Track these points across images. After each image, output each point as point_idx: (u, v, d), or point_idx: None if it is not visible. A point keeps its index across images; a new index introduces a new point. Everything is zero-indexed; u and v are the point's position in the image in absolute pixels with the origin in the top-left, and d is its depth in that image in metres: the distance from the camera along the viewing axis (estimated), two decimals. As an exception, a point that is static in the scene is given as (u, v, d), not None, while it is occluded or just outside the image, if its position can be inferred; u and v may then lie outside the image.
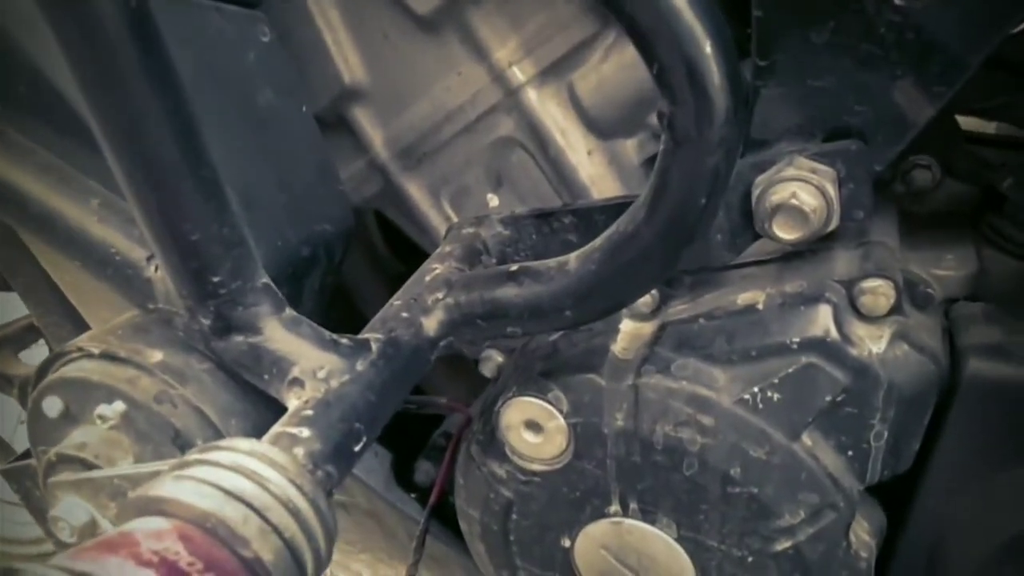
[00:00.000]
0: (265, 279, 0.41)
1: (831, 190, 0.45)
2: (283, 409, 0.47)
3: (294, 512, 0.32)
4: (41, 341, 1.41)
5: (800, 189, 0.45)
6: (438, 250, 0.53)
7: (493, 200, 0.62)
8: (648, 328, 0.50)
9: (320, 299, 0.56)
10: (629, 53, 0.55)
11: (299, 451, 0.36)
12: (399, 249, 0.96)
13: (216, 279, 0.39)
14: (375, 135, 0.63)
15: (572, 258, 0.43)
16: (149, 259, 0.42)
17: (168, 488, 0.31)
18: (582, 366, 0.49)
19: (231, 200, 0.38)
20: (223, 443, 0.34)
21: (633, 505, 0.49)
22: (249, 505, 0.31)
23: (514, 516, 0.54)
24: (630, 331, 0.51)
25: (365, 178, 0.65)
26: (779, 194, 0.45)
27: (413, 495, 0.72)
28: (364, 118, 0.63)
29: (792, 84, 0.47)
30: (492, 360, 0.58)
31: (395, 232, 0.75)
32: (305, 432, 0.37)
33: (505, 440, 0.51)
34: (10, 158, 0.42)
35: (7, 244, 0.93)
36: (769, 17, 0.46)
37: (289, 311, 0.42)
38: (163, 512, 0.31)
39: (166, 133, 0.34)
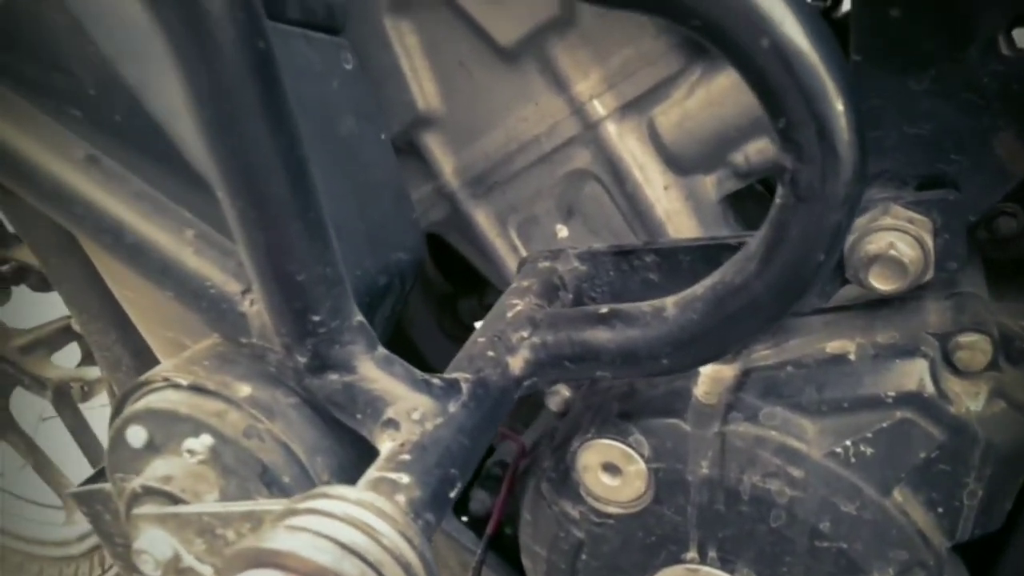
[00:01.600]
0: (359, 317, 0.41)
1: (928, 241, 0.44)
2: (366, 446, 0.47)
3: (405, 567, 0.32)
4: (72, 344, 1.41)
5: (898, 239, 0.44)
6: (515, 284, 0.53)
7: (562, 231, 0.62)
8: (729, 372, 0.50)
9: (388, 326, 0.56)
10: (714, 90, 0.54)
11: (400, 499, 0.36)
12: (446, 270, 0.95)
13: (316, 318, 0.38)
14: (446, 162, 0.62)
15: (669, 304, 0.42)
16: (244, 293, 0.41)
17: (283, 541, 0.31)
18: (664, 410, 0.48)
19: (333, 240, 0.38)
20: (329, 491, 0.34)
21: (712, 553, 0.49)
22: (364, 560, 0.31)
23: (584, 557, 0.53)
24: (710, 374, 0.50)
25: (432, 204, 0.65)
26: (876, 244, 0.44)
27: (466, 522, 0.71)
28: (435, 145, 0.62)
29: (888, 130, 0.47)
30: (559, 395, 0.58)
31: (442, 252, 0.75)
32: (404, 478, 0.37)
33: (581, 481, 0.50)
34: (106, 185, 0.42)
35: (57, 251, 0.94)
36: (868, 62, 0.46)
37: (381, 349, 0.42)
38: (279, 565, 0.30)
39: (281, 176, 0.34)
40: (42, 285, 1.37)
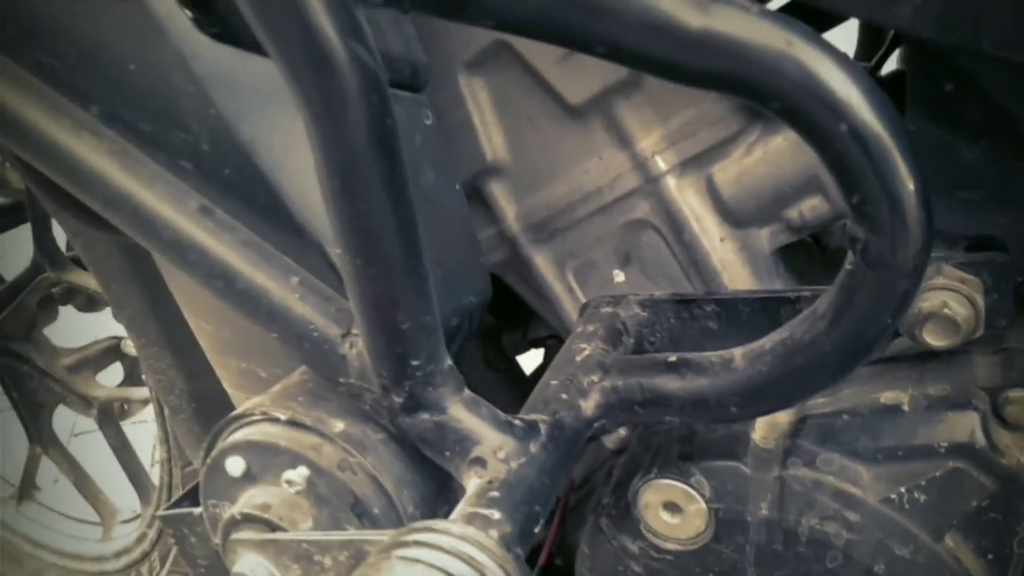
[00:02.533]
0: (450, 361, 0.44)
1: (979, 300, 0.47)
2: (442, 480, 0.50)
3: (506, 598, 0.35)
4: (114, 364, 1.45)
5: (951, 299, 0.47)
6: (579, 329, 0.56)
7: (619, 276, 0.65)
8: (785, 418, 0.52)
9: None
10: (771, 150, 0.57)
11: (494, 533, 0.38)
12: (491, 304, 0.99)
13: (415, 363, 0.42)
14: (509, 208, 0.66)
15: (737, 355, 0.45)
16: (344, 336, 0.45)
17: (401, 572, 0.34)
18: (725, 453, 0.51)
19: (432, 290, 0.41)
20: (433, 525, 0.37)
21: (768, 591, 0.51)
22: (472, 591, 0.34)
23: (641, 590, 0.56)
24: (767, 420, 0.53)
25: (493, 246, 0.68)
26: (930, 302, 0.47)
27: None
28: (500, 192, 0.66)
29: (940, 194, 0.50)
30: (616, 433, 0.61)
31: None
32: (496, 514, 0.39)
33: (641, 518, 0.53)
34: (218, 235, 0.46)
35: (119, 279, 0.98)
36: (923, 131, 0.49)
37: (468, 391, 0.45)
38: (396, 595, 0.33)
39: (396, 237, 0.37)
40: (87, 306, 1.41)
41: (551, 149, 0.63)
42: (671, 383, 0.46)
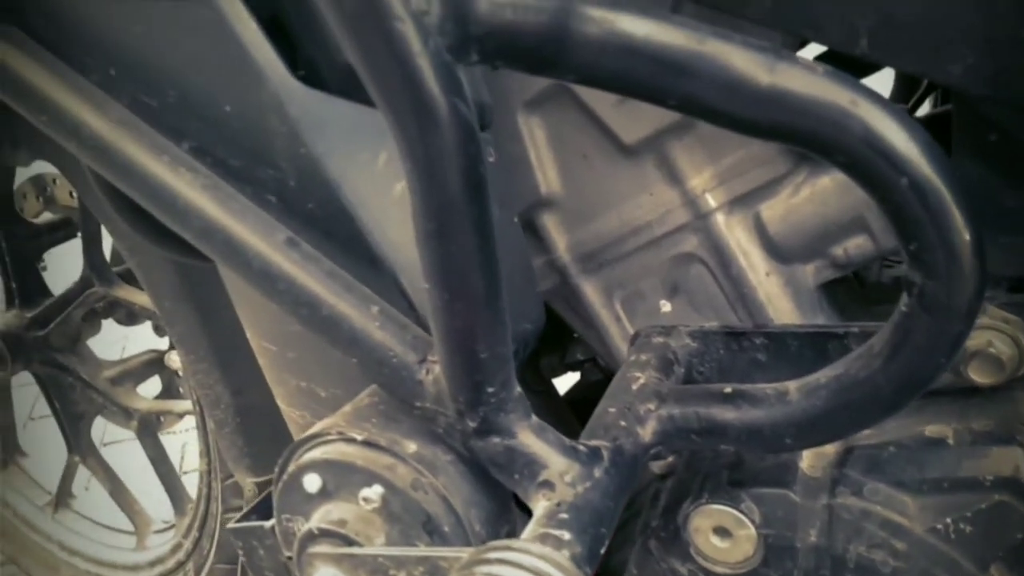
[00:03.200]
0: (519, 388, 0.47)
1: (1022, 339, 0.49)
2: (506, 502, 0.52)
3: (582, 615, 0.37)
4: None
5: (995, 338, 0.49)
6: (632, 358, 0.58)
7: (666, 306, 0.68)
8: (832, 447, 0.55)
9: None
10: (818, 189, 0.60)
11: (565, 553, 0.41)
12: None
13: (490, 390, 0.44)
14: (559, 239, 0.69)
15: (792, 389, 0.47)
16: (420, 363, 0.48)
17: (488, 587, 0.36)
18: (774, 480, 0.53)
19: (508, 321, 0.44)
20: (512, 544, 0.39)
21: (815, 615, 0.53)
22: (553, 607, 0.36)
23: (689, 611, 0.58)
24: (814, 449, 0.55)
25: (543, 275, 0.71)
26: (975, 340, 0.50)
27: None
28: (551, 224, 0.69)
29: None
30: (664, 459, 0.63)
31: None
32: (566, 535, 0.42)
33: (691, 542, 0.55)
34: (304, 266, 0.49)
35: (172, 297, 1.02)
36: (967, 176, 0.52)
37: (535, 417, 0.48)
38: (486, 608, 0.36)
39: (481, 274, 0.40)
40: (127, 319, 1.45)
41: (603, 184, 0.66)
42: (727, 413, 0.49)
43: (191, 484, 1.38)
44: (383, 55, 0.34)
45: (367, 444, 0.49)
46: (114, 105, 0.51)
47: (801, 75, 0.38)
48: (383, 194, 0.51)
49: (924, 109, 0.93)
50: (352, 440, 0.50)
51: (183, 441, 2.16)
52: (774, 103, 0.38)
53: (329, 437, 0.51)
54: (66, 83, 0.51)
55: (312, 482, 0.50)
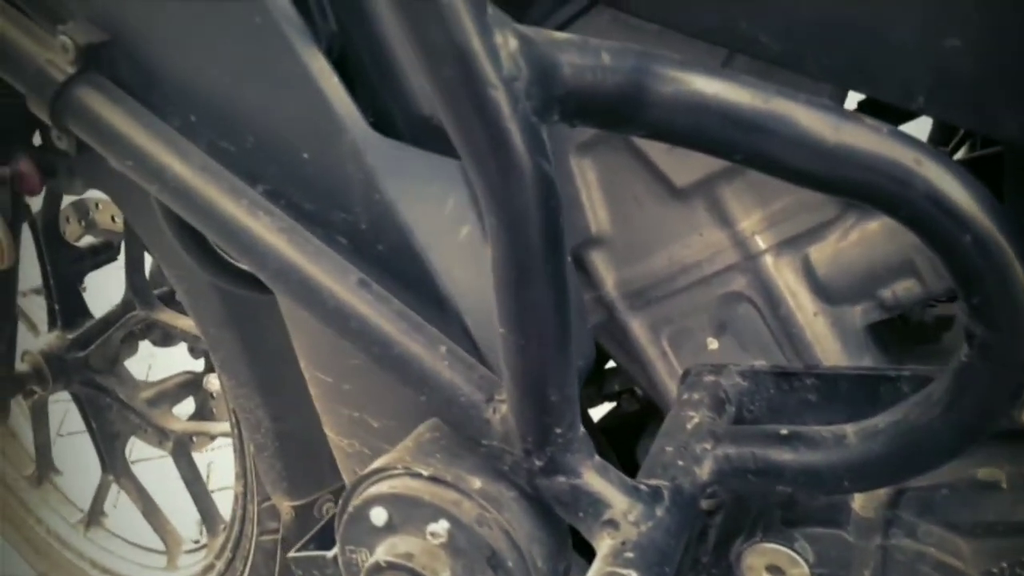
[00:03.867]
0: (583, 429, 0.49)
1: (1075, 386, 0.50)
2: (564, 539, 0.54)
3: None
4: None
5: (1048, 384, 0.50)
6: (684, 396, 0.60)
7: (713, 344, 0.69)
8: (884, 488, 0.56)
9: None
10: (867, 233, 0.61)
11: (634, 592, 0.42)
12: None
13: (558, 431, 0.46)
14: (608, 276, 0.71)
15: (850, 432, 0.49)
16: (488, 402, 0.49)
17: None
18: (828, 520, 0.54)
19: (575, 363, 0.46)
20: (585, 583, 0.41)
21: (868, 654, 0.54)
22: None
23: (740, 648, 0.58)
24: (866, 489, 0.56)
25: (591, 310, 0.73)
26: (1028, 387, 0.50)
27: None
28: (600, 261, 0.71)
29: None
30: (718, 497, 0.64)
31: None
32: (632, 574, 0.43)
33: (744, 578, 0.56)
34: (376, 306, 0.51)
35: (216, 324, 1.05)
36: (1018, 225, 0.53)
37: (598, 457, 0.49)
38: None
39: (554, 321, 0.42)
40: (163, 341, 1.48)
41: (653, 224, 0.67)
42: (784, 455, 0.50)
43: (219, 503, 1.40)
44: (476, 119, 0.36)
45: (433, 480, 0.51)
46: (194, 150, 0.54)
47: (866, 134, 0.40)
48: (450, 237, 0.53)
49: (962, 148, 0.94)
50: (418, 475, 0.51)
51: (209, 460, 2.18)
52: (839, 160, 0.40)
53: (395, 472, 0.52)
54: (150, 129, 0.53)
55: (378, 515, 0.52)
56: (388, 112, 0.52)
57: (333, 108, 0.49)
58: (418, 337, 0.50)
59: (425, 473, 0.51)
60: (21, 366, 1.38)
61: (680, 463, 0.52)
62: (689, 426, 0.55)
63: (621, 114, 0.41)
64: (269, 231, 0.52)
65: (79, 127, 0.54)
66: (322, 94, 0.49)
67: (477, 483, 0.51)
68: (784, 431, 0.51)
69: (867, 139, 0.40)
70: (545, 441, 0.46)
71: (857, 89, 0.51)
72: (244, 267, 0.72)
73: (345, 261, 0.53)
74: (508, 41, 0.36)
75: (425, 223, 0.52)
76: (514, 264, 0.40)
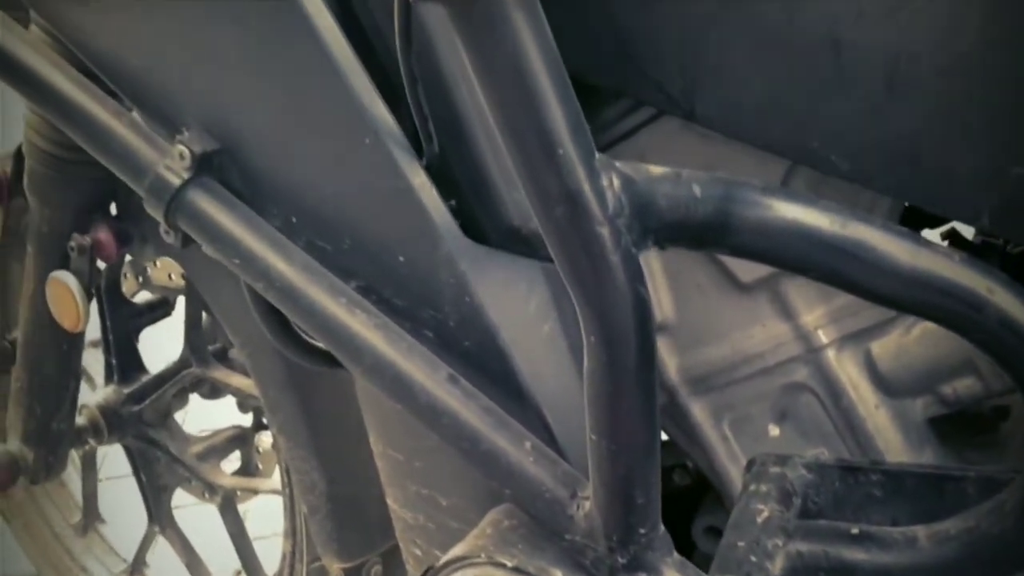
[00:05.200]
0: (663, 527, 0.51)
1: None
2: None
3: None
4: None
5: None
6: (752, 487, 0.62)
7: (774, 431, 0.71)
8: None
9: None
10: (928, 331, 0.64)
11: None
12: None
13: (642, 531, 0.48)
14: (671, 362, 0.73)
15: (921, 536, 0.50)
16: (571, 498, 0.52)
17: None
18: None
19: (659, 465, 0.48)
20: None
21: None
22: None
23: None
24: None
25: (652, 393, 0.75)
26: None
27: None
28: (663, 347, 0.73)
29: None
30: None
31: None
32: (722, 673, 0.45)
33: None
34: (465, 402, 0.54)
35: (276, 386, 1.08)
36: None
37: (676, 554, 0.51)
38: None
39: (645, 429, 0.45)
40: (211, 394, 1.52)
41: (716, 315, 0.70)
42: (856, 554, 0.52)
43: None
44: (583, 253, 0.40)
45: (517, 571, 0.53)
46: (296, 250, 0.58)
47: (941, 261, 0.43)
48: (533, 336, 0.56)
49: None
50: (502, 565, 0.53)
51: (243, 508, 2.21)
52: (914, 285, 0.43)
53: (477, 560, 0.55)
54: (255, 231, 0.58)
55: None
56: (477, 219, 0.56)
57: (431, 219, 0.53)
58: (505, 432, 0.53)
59: (509, 564, 0.53)
60: (79, 419, 1.42)
61: (753, 559, 0.54)
62: (759, 520, 0.57)
63: (709, 238, 0.44)
64: (366, 328, 0.55)
65: (191, 227, 0.58)
66: (422, 207, 0.53)
67: (558, 575, 0.53)
68: (855, 530, 0.53)
69: (942, 266, 0.43)
70: (629, 540, 0.48)
71: (922, 206, 0.54)
72: (320, 345, 0.75)
73: (434, 356, 0.56)
74: (613, 182, 0.40)
75: (510, 322, 0.55)
76: (610, 379, 0.43)
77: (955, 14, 0.47)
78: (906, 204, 0.63)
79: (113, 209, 1.12)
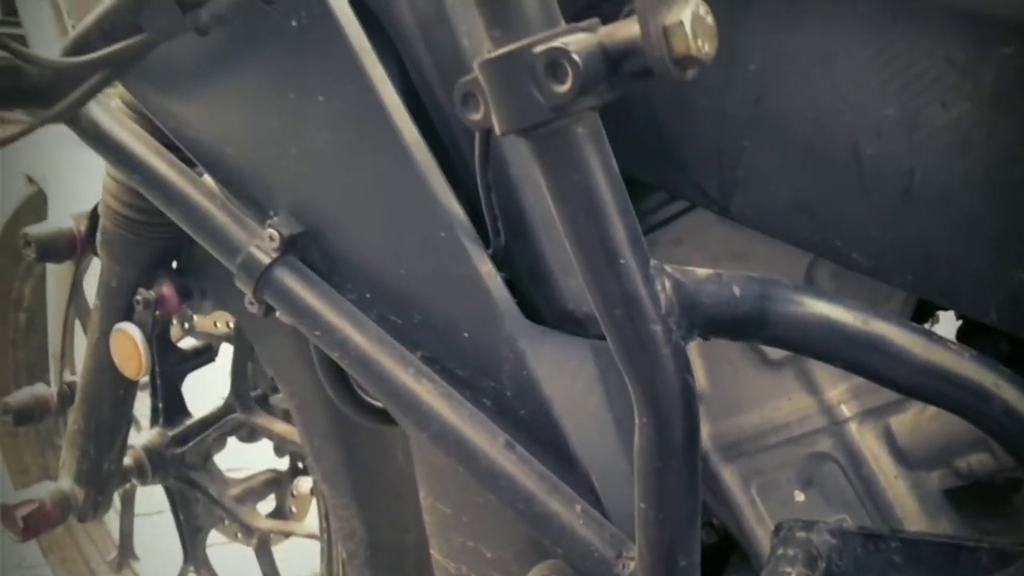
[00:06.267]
0: (700, 586, 0.56)
1: None
2: None
3: None
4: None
5: (1118, 566, 0.56)
6: (780, 551, 0.66)
7: (799, 496, 0.76)
8: (966, 651, 0.61)
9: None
10: (943, 411, 0.69)
11: None
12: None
13: (683, 591, 0.54)
14: (703, 429, 0.78)
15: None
16: (617, 558, 0.57)
17: None
18: None
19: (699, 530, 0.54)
20: None
21: None
22: None
23: None
24: (950, 650, 0.61)
25: (683, 457, 0.81)
26: (1099, 567, 0.57)
27: None
28: (695, 414, 0.79)
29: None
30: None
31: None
32: None
33: None
34: (521, 467, 0.60)
35: (321, 437, 1.14)
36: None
37: (712, 612, 0.56)
38: None
39: (689, 499, 0.50)
40: (248, 437, 1.58)
41: (747, 387, 0.76)
42: (881, 621, 0.56)
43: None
44: (638, 347, 0.46)
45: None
46: (369, 323, 0.65)
47: (952, 357, 0.49)
48: (582, 408, 0.62)
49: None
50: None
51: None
52: (927, 376, 0.49)
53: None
54: (334, 306, 0.65)
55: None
56: (534, 302, 0.62)
57: (496, 302, 0.59)
58: (557, 496, 0.59)
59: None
60: (126, 460, 1.49)
61: (788, 623, 0.59)
62: (791, 585, 0.62)
63: (747, 331, 0.50)
64: (432, 397, 0.61)
65: (277, 302, 0.65)
66: (488, 291, 0.59)
67: (606, 631, 0.58)
68: (881, 599, 0.57)
69: (953, 361, 0.48)
70: (671, 600, 0.54)
71: (935, 301, 0.60)
72: (377, 404, 0.82)
73: (492, 423, 0.62)
74: (665, 285, 0.46)
75: (562, 395, 0.61)
76: (659, 456, 0.49)
77: (964, 135, 0.54)
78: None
79: (174, 264, 1.20)
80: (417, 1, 0.57)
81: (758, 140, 0.60)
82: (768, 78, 0.57)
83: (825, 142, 0.58)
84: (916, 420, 0.70)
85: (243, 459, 1.64)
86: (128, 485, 1.59)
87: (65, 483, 1.39)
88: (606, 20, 0.54)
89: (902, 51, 0.53)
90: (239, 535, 1.56)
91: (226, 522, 1.57)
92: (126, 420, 1.36)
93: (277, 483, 1.61)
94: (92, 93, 0.56)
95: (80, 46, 0.57)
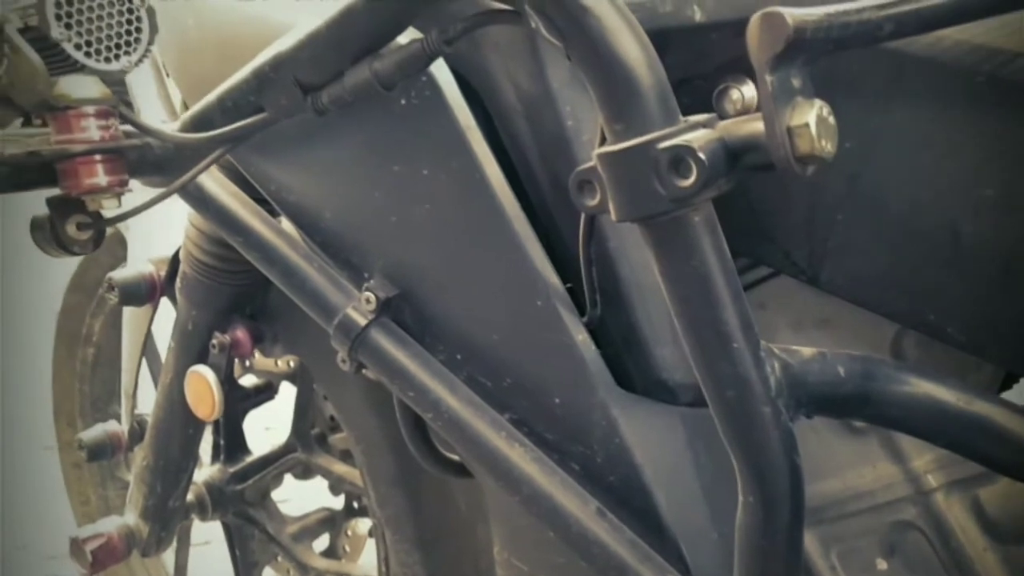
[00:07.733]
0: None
1: None
2: None
3: None
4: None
5: None
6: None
7: (882, 564, 0.75)
8: None
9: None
10: (1036, 484, 0.68)
11: None
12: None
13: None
14: (781, 492, 0.78)
15: None
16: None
17: None
18: None
19: None
20: None
21: None
22: None
23: None
24: None
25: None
26: None
27: None
28: (774, 477, 0.79)
29: None
30: None
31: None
32: None
33: None
34: (613, 535, 0.60)
35: (386, 482, 1.16)
36: None
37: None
38: None
39: (789, 567, 0.51)
40: (303, 474, 1.60)
41: (830, 453, 0.75)
42: None
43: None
44: (748, 427, 0.46)
45: None
46: (460, 385, 0.66)
47: (997, 411, 0.49)
48: (673, 474, 0.63)
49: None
50: None
51: None
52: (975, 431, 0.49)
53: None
54: (425, 367, 0.66)
55: None
56: (627, 370, 0.63)
57: (590, 370, 0.61)
58: (649, 565, 0.59)
59: None
60: (188, 496, 1.52)
61: None
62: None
63: (850, 410, 0.51)
64: (524, 461, 0.62)
65: (369, 362, 0.67)
66: (583, 359, 0.60)
67: None
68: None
69: (999, 415, 0.48)
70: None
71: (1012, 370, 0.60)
72: (452, 457, 0.83)
73: (582, 489, 0.63)
74: (775, 367, 0.47)
75: (653, 462, 0.62)
76: (763, 534, 0.49)
77: (1064, 215, 0.54)
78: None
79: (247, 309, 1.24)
80: (521, 80, 0.59)
81: (853, 215, 0.61)
82: (865, 156, 0.58)
83: (922, 219, 0.58)
84: (1006, 493, 0.69)
85: (287, 492, 1.66)
86: (188, 520, 1.62)
87: (131, 518, 1.42)
88: (699, 96, 0.56)
89: (1001, 132, 0.54)
90: (291, 572, 1.58)
91: (279, 559, 1.59)
92: (193, 459, 1.40)
93: (331, 522, 1.63)
94: (210, 165, 0.59)
95: (199, 123, 0.60)
